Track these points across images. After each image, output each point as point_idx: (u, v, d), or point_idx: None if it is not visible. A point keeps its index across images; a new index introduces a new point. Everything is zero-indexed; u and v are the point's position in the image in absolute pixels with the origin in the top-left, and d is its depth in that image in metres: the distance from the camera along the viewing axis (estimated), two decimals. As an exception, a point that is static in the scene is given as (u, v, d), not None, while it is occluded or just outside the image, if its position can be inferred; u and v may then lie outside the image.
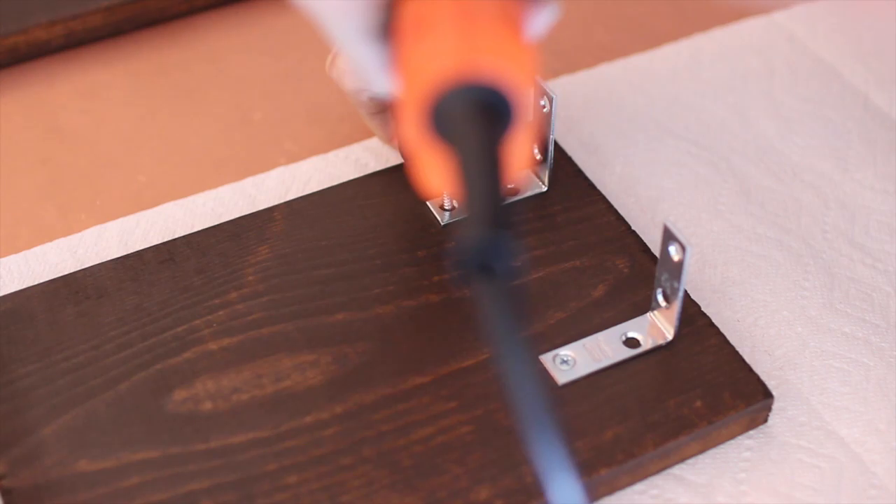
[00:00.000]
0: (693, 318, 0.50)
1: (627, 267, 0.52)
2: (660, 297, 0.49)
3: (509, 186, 0.33)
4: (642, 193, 0.57)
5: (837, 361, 0.51)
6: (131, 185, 0.59)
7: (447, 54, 0.33)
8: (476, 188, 0.31)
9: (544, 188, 0.55)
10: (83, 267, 0.52)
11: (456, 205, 0.54)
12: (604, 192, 0.56)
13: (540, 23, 0.38)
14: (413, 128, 0.34)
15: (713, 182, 0.58)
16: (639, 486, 0.47)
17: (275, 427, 0.46)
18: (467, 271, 0.30)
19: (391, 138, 0.56)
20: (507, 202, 0.31)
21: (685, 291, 0.49)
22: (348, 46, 0.38)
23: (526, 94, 0.33)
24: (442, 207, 0.54)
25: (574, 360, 0.48)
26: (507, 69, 0.33)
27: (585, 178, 0.56)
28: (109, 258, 0.53)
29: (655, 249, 0.52)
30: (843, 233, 0.56)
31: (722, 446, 0.48)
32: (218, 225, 0.54)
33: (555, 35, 0.49)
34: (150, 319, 0.50)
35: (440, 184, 0.35)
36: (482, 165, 0.31)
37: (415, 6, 0.35)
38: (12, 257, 0.54)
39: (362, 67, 0.39)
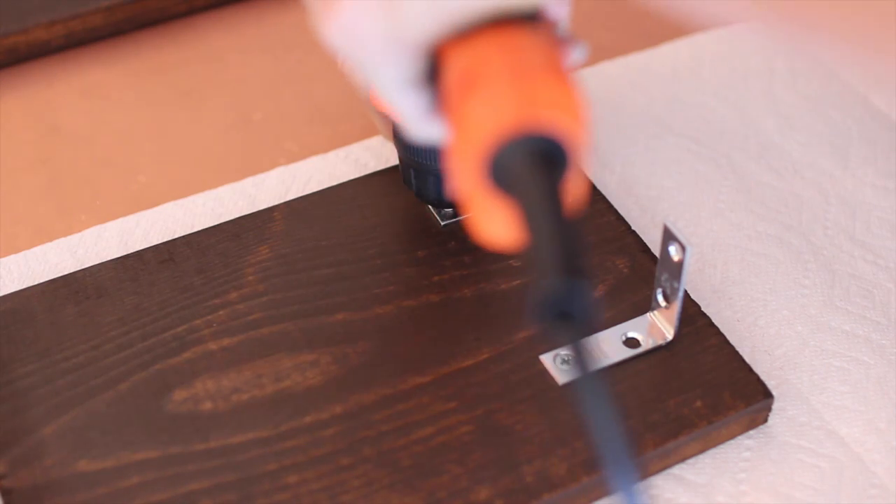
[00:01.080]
0: (693, 318, 0.50)
1: (627, 267, 0.52)
2: (660, 297, 0.49)
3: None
4: (642, 193, 0.57)
5: (837, 360, 0.51)
6: (131, 185, 0.59)
7: (505, 108, 0.33)
8: (548, 238, 0.32)
9: (544, 188, 0.55)
10: (83, 267, 0.52)
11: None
12: (604, 192, 0.56)
13: (572, 62, 0.39)
14: (470, 178, 0.34)
15: (713, 180, 0.58)
16: (638, 486, 0.46)
17: (275, 427, 0.46)
18: (547, 320, 0.31)
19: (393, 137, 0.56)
20: (580, 248, 0.31)
21: (685, 291, 0.49)
22: (388, 95, 0.38)
23: (582, 140, 0.33)
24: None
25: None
26: (564, 118, 0.33)
27: (585, 178, 0.56)
28: (109, 258, 0.53)
29: (655, 249, 0.52)
30: (844, 230, 0.56)
31: (722, 446, 0.48)
32: (218, 225, 0.54)
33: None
34: (150, 319, 0.50)
35: (496, 231, 0.35)
36: (551, 216, 0.32)
37: (461, 59, 0.35)
38: (12, 257, 0.54)
39: (402, 115, 0.39)
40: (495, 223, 0.35)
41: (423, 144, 0.50)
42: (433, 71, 0.37)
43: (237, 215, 0.55)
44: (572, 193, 0.34)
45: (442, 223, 0.53)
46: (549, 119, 0.33)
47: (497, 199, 0.34)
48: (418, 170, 0.51)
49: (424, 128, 0.39)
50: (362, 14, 0.36)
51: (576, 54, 0.39)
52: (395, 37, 0.36)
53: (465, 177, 0.35)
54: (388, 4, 0.35)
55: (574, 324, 0.31)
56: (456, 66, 0.35)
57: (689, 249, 0.46)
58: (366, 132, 0.60)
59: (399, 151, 0.52)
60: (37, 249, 0.55)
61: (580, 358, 0.31)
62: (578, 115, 0.34)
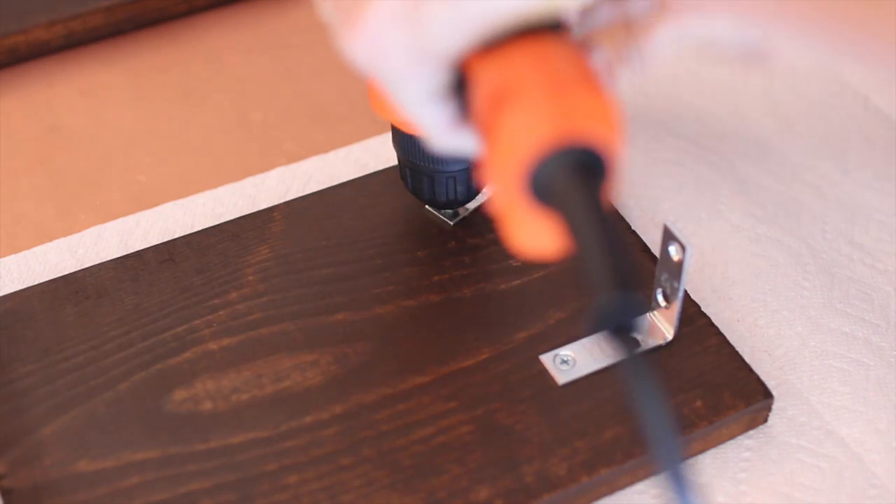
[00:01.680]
0: (693, 318, 0.50)
1: (627, 267, 0.52)
2: (660, 297, 0.49)
3: None
4: (642, 193, 0.57)
5: (837, 361, 0.51)
6: (131, 185, 0.59)
7: (543, 121, 0.33)
8: (599, 253, 0.32)
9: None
10: (83, 267, 0.52)
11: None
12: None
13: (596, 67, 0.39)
14: (508, 192, 0.34)
15: (713, 182, 0.58)
16: (639, 486, 0.47)
17: (275, 427, 0.46)
18: (603, 332, 0.32)
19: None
20: (629, 260, 0.32)
21: (685, 291, 0.49)
22: (413, 108, 0.38)
23: (620, 148, 0.33)
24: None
25: (574, 360, 0.48)
26: (602, 128, 0.33)
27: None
28: (109, 258, 0.53)
29: (655, 249, 0.52)
30: (843, 233, 0.56)
31: (722, 446, 0.48)
32: (218, 225, 0.54)
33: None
34: (150, 319, 0.50)
35: (535, 242, 0.35)
36: (600, 231, 0.32)
37: (490, 72, 0.35)
38: (12, 257, 0.54)
39: (426, 128, 0.39)
40: (534, 234, 0.35)
41: (418, 145, 0.50)
42: (458, 83, 0.37)
43: (237, 215, 0.55)
44: (610, 201, 0.34)
45: (451, 223, 0.53)
46: (588, 130, 0.33)
47: (536, 211, 0.34)
48: (413, 170, 0.51)
49: (448, 140, 0.39)
50: (387, 28, 0.35)
51: (597, 58, 0.39)
52: (421, 50, 0.35)
53: (502, 190, 0.35)
54: (414, 18, 0.35)
55: (628, 334, 0.32)
56: (485, 80, 0.35)
57: (689, 249, 0.46)
58: (366, 132, 0.60)
59: (396, 151, 0.52)
60: (37, 249, 0.55)
61: (634, 366, 0.32)
62: (615, 123, 0.34)
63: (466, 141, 0.38)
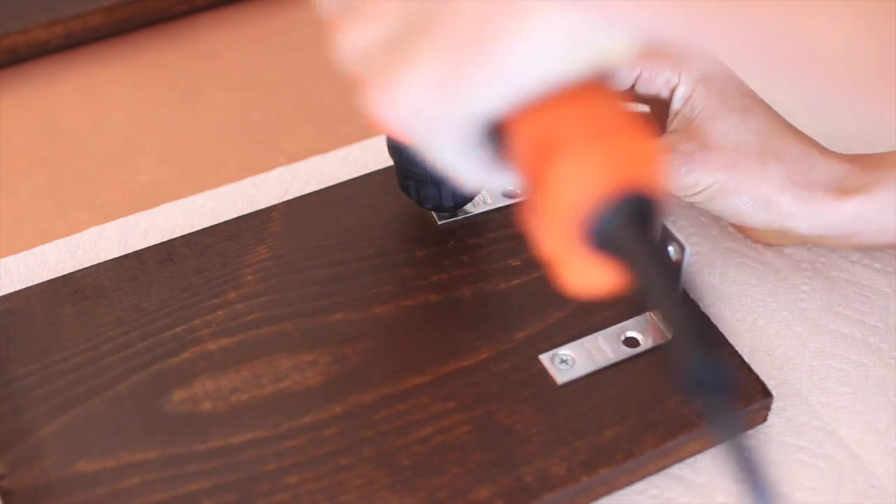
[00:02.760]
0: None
1: (627, 267, 0.52)
2: (659, 297, 0.49)
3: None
4: (642, 193, 0.57)
5: (837, 362, 0.51)
6: (131, 185, 0.59)
7: (599, 172, 0.33)
8: (678, 313, 0.32)
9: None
10: (82, 267, 0.52)
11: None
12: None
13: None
14: (562, 240, 0.34)
15: (713, 182, 0.58)
16: (638, 486, 0.47)
17: (274, 427, 0.46)
18: (698, 395, 0.32)
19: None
20: (708, 320, 0.32)
21: (685, 291, 0.49)
22: (447, 162, 0.37)
23: (665, 189, 0.34)
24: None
25: (573, 360, 0.48)
26: (652, 173, 0.34)
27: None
28: (109, 258, 0.53)
29: (655, 249, 0.52)
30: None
31: (721, 446, 0.48)
32: (217, 225, 0.54)
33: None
34: (148, 319, 0.50)
35: (591, 283, 0.35)
36: (672, 287, 0.33)
37: (534, 123, 0.35)
38: (12, 257, 0.54)
39: (458, 176, 0.38)
40: (589, 277, 0.35)
41: (403, 147, 0.50)
42: (494, 129, 0.36)
43: (236, 215, 0.55)
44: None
45: (439, 222, 0.53)
46: (641, 178, 0.33)
47: (592, 256, 0.34)
48: (400, 168, 0.51)
49: (482, 182, 0.38)
50: (424, 95, 0.34)
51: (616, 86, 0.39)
52: (459, 116, 0.35)
53: (556, 238, 0.34)
54: (453, 87, 0.34)
55: (719, 393, 0.32)
56: (528, 129, 0.35)
57: (688, 249, 0.46)
58: (366, 132, 0.60)
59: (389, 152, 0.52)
60: (36, 249, 0.55)
61: (728, 423, 0.32)
62: (660, 167, 0.34)
63: (498, 180, 0.38)
